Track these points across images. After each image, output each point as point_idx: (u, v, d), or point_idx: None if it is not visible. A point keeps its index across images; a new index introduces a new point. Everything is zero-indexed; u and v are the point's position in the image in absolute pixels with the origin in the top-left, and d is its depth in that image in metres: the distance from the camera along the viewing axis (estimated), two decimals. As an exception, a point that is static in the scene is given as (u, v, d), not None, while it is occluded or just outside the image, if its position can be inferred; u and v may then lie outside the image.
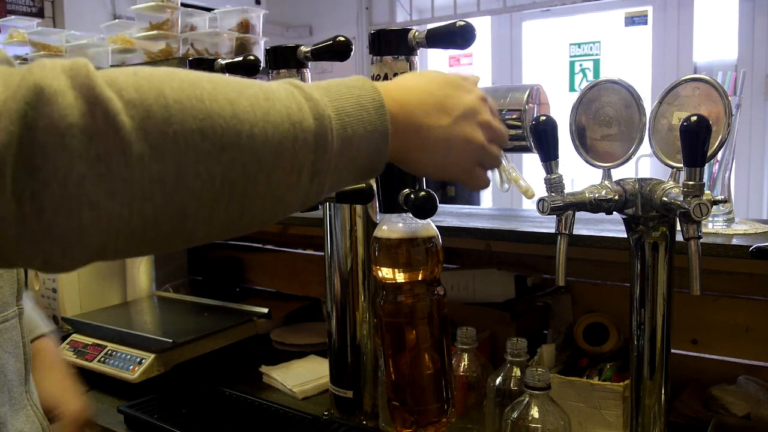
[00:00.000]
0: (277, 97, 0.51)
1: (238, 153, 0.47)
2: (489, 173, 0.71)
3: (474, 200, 4.53)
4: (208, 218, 0.49)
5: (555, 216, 0.78)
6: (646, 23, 4.18)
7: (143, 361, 1.31)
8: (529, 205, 2.95)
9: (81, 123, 0.41)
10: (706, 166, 0.72)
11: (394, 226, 0.83)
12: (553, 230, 0.79)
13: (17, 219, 0.40)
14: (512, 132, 0.93)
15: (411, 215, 0.77)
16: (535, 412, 0.89)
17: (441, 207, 1.32)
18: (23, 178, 0.40)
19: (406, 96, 0.62)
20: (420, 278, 0.80)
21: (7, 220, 0.40)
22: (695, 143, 0.71)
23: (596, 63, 4.34)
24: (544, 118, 0.79)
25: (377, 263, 0.82)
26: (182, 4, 2.03)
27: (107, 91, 0.42)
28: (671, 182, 0.79)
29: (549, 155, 0.79)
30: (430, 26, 0.78)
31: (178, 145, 0.44)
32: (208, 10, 2.12)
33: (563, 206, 0.78)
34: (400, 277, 0.80)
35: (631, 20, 4.23)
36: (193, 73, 0.49)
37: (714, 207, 0.82)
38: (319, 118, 0.53)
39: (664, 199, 0.76)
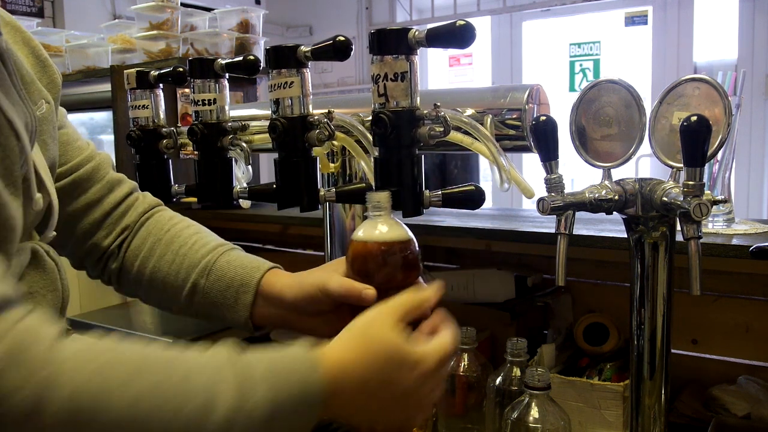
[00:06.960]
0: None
1: None
2: (489, 173, 0.71)
3: (474, 200, 4.53)
4: None
5: (555, 216, 0.78)
6: (646, 23, 4.18)
7: (143, 361, 1.31)
8: (529, 205, 2.95)
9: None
10: (706, 166, 0.72)
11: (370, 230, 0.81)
12: (553, 230, 0.79)
13: None
14: (512, 132, 0.93)
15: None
16: (535, 412, 0.89)
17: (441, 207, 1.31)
18: None
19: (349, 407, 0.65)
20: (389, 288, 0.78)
21: None
22: (695, 143, 0.71)
23: (596, 63, 4.34)
24: (544, 118, 0.79)
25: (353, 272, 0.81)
26: (182, 4, 2.03)
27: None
28: (671, 182, 0.79)
29: (549, 155, 0.79)
30: (430, 26, 0.78)
31: None
32: (208, 10, 2.12)
33: (563, 206, 0.78)
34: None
35: (631, 20, 4.23)
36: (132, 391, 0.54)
37: (714, 207, 0.82)
38: None
39: (664, 199, 0.76)
